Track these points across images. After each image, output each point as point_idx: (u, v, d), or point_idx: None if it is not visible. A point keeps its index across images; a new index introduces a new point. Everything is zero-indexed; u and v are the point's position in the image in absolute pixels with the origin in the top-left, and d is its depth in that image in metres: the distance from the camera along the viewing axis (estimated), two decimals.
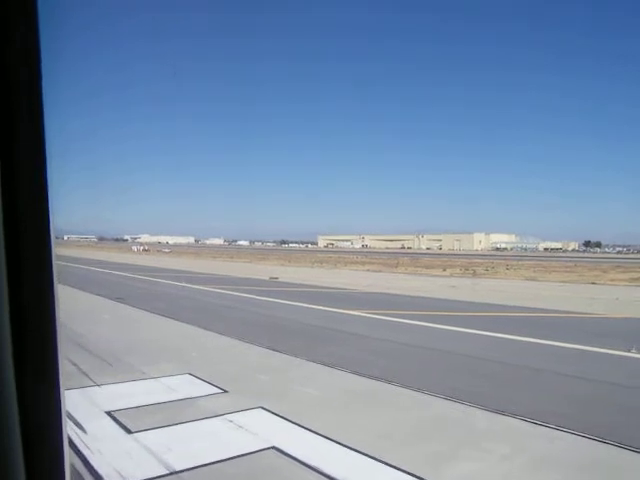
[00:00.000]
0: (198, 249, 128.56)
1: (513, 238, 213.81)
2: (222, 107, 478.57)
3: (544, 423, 5.86)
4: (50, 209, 1.00)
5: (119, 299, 17.28)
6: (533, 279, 34.91)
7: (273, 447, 5.03)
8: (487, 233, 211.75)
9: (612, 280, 33.68)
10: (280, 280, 29.18)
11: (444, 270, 44.27)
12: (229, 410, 6.12)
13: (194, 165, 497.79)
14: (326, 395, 7.10)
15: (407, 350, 10.55)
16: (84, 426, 5.33)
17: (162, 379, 7.52)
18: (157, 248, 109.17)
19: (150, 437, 5.22)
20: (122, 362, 8.54)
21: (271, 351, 9.83)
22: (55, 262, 1.02)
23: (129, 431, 5.37)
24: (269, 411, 6.17)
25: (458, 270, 44.46)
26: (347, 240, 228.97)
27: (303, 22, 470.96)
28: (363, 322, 14.04)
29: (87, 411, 5.90)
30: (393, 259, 69.69)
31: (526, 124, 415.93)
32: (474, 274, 39.73)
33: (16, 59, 0.94)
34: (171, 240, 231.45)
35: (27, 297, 0.96)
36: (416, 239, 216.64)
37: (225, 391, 6.98)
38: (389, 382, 7.67)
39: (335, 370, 8.45)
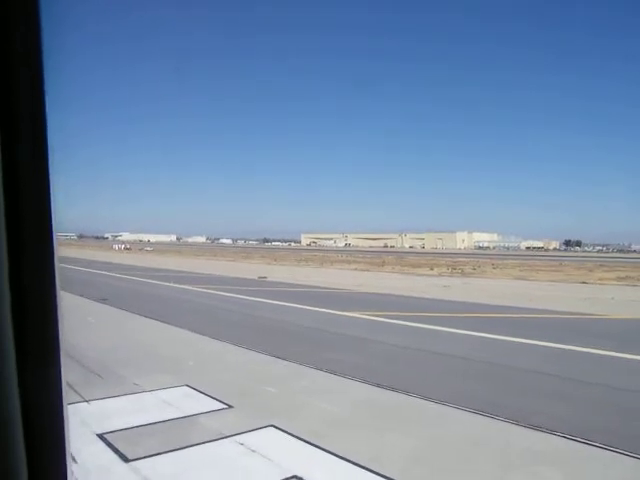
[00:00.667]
0: (180, 247, 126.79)
1: (495, 237, 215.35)
2: (207, 104, 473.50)
3: (585, 440, 5.35)
4: (52, 209, 0.97)
5: (104, 300, 16.41)
6: (522, 278, 34.80)
7: (294, 477, 4.40)
8: (470, 232, 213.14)
9: (600, 279, 33.74)
10: (269, 280, 28.47)
11: (431, 269, 43.97)
12: (237, 430, 5.47)
13: (176, 163, 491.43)
14: (338, 408, 6.50)
15: (412, 354, 10.01)
16: (73, 453, 4.61)
17: (158, 392, 6.82)
18: (139, 246, 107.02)
19: (151, 466, 4.53)
20: (112, 373, 7.79)
21: (272, 357, 9.22)
22: (57, 262, 0.97)
23: (126, 459, 4.67)
24: (282, 430, 5.54)
25: (445, 269, 44.20)
26: (330, 238, 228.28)
27: (303, 20, 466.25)
28: (362, 325, 13.48)
29: (76, 434, 5.18)
30: (378, 258, 69.36)
31: (511, 123, 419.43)
32: (463, 273, 39.50)
33: (17, 59, 0.93)
34: (153, 238, 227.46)
35: (29, 297, 0.94)
36: (399, 238, 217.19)
37: (230, 406, 6.32)
38: (402, 392, 7.13)
39: (342, 378, 7.93)
